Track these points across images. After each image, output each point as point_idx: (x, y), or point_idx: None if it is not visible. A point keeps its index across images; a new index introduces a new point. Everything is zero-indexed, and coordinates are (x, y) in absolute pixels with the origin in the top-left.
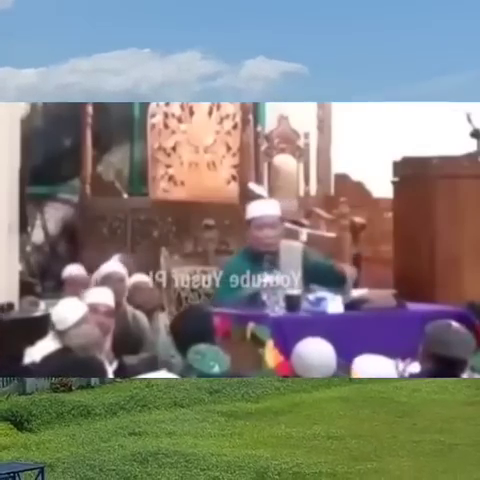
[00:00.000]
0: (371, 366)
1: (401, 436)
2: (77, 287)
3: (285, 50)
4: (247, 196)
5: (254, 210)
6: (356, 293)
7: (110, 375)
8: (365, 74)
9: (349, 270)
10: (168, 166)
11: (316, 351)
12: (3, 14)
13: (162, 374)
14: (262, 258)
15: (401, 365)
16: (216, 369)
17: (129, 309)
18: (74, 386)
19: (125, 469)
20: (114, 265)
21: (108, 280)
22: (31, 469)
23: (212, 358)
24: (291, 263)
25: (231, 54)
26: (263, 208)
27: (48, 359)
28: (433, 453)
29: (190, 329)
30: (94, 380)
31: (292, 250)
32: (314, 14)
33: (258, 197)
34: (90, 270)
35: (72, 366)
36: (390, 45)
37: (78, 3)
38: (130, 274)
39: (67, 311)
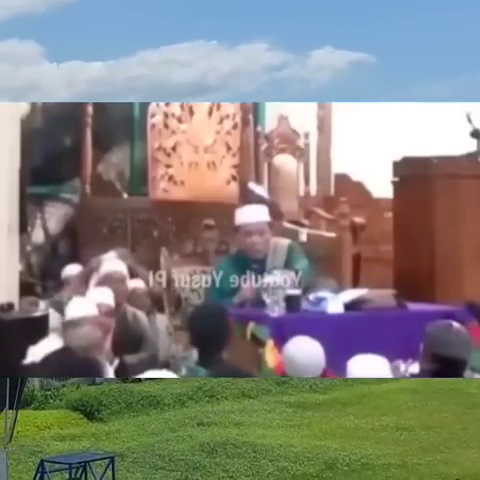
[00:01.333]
0: (365, 366)
1: (471, 427)
2: (77, 287)
3: (352, 40)
4: (247, 196)
5: (243, 216)
6: (356, 293)
7: (111, 375)
8: (433, 63)
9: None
10: (168, 166)
11: (303, 351)
12: (72, 7)
13: (162, 374)
14: (249, 264)
15: (403, 366)
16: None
17: (129, 308)
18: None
19: (194, 459)
20: (115, 264)
21: (109, 279)
22: (102, 459)
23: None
24: (276, 265)
25: (298, 44)
26: (251, 214)
27: (48, 359)
28: None
29: (208, 327)
30: None
31: (277, 250)
32: (380, 3)
33: (258, 197)
34: (90, 270)
35: (72, 366)
36: (460, 33)
37: None
38: (130, 270)
39: (74, 311)
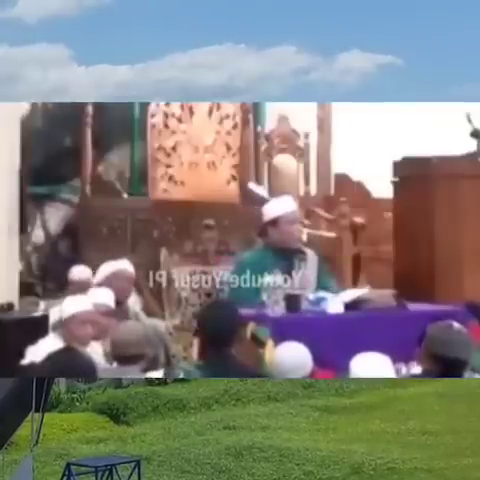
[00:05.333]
0: (368, 365)
1: None
2: (82, 289)
3: (379, 43)
4: (247, 196)
5: (282, 206)
6: (356, 293)
7: (110, 375)
8: (462, 66)
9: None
10: (168, 166)
11: (288, 353)
12: (102, 11)
13: (158, 374)
14: (290, 255)
15: (404, 368)
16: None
17: (132, 308)
18: (169, 379)
19: (220, 463)
20: (122, 263)
21: (114, 278)
22: (128, 462)
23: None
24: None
25: (325, 47)
26: (288, 204)
27: (49, 359)
28: None
29: (217, 326)
30: None
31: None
32: (407, 5)
33: (258, 197)
34: (90, 270)
35: (71, 366)
36: None
37: (174, 0)
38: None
39: (70, 307)
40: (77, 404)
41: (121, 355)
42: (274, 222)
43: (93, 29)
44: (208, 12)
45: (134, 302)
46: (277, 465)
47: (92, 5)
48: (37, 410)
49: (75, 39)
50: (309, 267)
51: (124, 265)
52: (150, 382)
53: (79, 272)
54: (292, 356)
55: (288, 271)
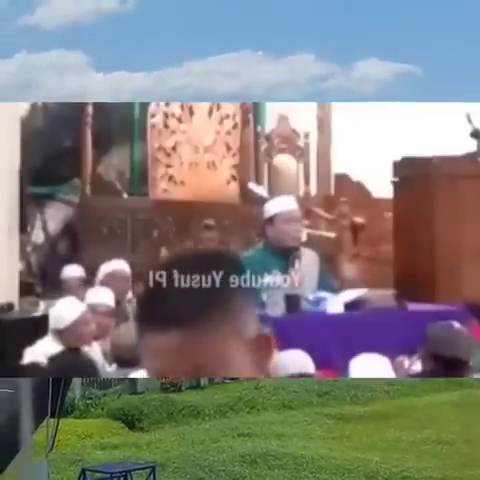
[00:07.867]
0: (367, 366)
1: None
2: (76, 288)
3: (397, 51)
4: (247, 196)
5: (279, 205)
6: (356, 293)
7: (111, 375)
8: (478, 75)
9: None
10: (168, 166)
11: (287, 355)
12: (121, 18)
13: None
14: (286, 254)
15: (404, 368)
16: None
17: (130, 307)
18: (184, 386)
19: (234, 470)
20: (118, 263)
21: (111, 277)
22: (143, 468)
23: None
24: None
25: (343, 56)
26: (288, 203)
27: (52, 360)
28: None
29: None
30: (203, 380)
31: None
32: (426, 14)
33: (258, 197)
34: (90, 270)
35: (73, 366)
36: None
37: (193, 8)
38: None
39: (65, 310)
40: (92, 410)
41: (121, 357)
42: (270, 220)
43: (111, 36)
44: (226, 19)
45: (133, 302)
46: (291, 473)
47: (110, 12)
48: (52, 416)
49: (93, 46)
50: (307, 266)
51: (120, 265)
52: (165, 389)
53: (71, 271)
54: (293, 358)
55: (287, 271)
